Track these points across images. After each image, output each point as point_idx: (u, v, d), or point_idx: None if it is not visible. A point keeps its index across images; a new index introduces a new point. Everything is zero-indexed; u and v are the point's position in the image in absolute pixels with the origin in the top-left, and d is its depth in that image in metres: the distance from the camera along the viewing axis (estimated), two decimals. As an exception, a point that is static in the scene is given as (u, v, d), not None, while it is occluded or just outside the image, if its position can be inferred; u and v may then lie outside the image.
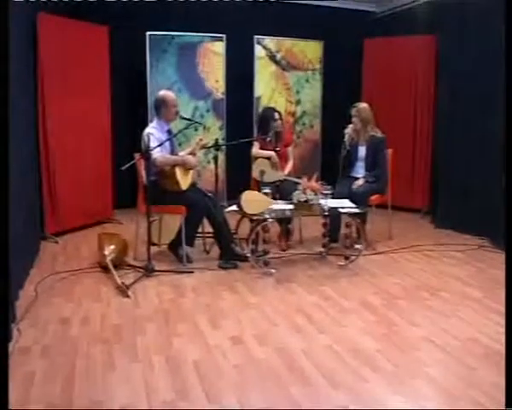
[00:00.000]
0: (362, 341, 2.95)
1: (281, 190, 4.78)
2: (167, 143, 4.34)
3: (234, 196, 4.44)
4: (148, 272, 4.01)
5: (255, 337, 2.98)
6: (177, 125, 4.71)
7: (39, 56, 4.86)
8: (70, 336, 3.00)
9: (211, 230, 4.48)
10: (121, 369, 2.62)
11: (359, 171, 4.93)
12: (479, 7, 5.08)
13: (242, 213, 4.29)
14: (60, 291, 3.71)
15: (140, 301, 3.55)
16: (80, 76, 5.31)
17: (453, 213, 5.50)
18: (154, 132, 4.24)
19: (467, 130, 5.33)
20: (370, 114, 4.93)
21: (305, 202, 4.14)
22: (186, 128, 4.65)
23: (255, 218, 4.18)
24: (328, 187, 4.33)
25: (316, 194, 4.18)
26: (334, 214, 4.46)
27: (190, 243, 4.33)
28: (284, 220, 4.77)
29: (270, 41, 6.65)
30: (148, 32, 6.06)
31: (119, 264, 4.16)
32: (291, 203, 4.23)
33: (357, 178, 4.85)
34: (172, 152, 4.44)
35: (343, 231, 4.54)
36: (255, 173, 4.95)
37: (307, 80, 6.89)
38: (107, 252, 4.10)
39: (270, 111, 5.14)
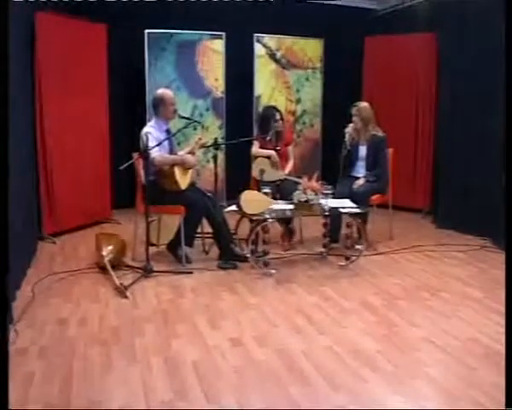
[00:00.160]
0: (362, 341, 2.96)
1: (281, 190, 4.79)
2: (166, 143, 4.36)
3: (233, 196, 4.45)
4: (147, 272, 4.02)
5: (255, 338, 2.99)
6: (175, 124, 4.72)
7: (37, 55, 4.87)
8: (68, 337, 3.01)
9: (210, 230, 4.49)
10: (119, 370, 2.63)
11: (360, 170, 4.94)
12: (479, 5, 5.09)
13: (242, 213, 4.30)
14: (57, 292, 3.73)
15: (138, 302, 3.56)
16: (78, 75, 5.32)
17: (455, 213, 5.51)
18: (152, 132, 4.25)
19: (468, 129, 5.34)
20: (371, 113, 4.94)
21: (306, 201, 4.16)
22: (185, 127, 4.66)
23: (255, 218, 4.19)
24: (329, 187, 4.34)
25: (316, 194, 4.19)
26: (335, 214, 4.47)
27: (189, 244, 4.35)
28: (285, 220, 4.80)
29: (269, 39, 6.66)
30: (147, 30, 6.07)
31: (117, 264, 4.17)
32: (291, 203, 4.25)
33: (357, 178, 4.86)
34: (171, 151, 4.45)
35: (344, 231, 4.55)
36: (255, 172, 4.96)
37: (307, 79, 6.91)
38: (105, 252, 4.11)
39: (270, 110, 5.15)
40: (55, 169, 5.14)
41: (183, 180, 4.30)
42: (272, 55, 6.70)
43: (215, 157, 4.82)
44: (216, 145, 4.82)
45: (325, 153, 6.97)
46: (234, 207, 4.31)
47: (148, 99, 5.99)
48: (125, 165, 3.87)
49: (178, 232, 4.32)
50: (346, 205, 4.37)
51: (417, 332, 3.09)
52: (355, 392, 2.45)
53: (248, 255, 4.28)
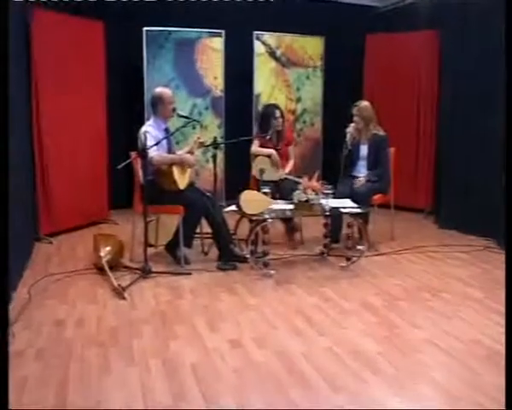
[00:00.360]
0: (363, 343, 2.97)
1: (281, 190, 4.80)
2: (164, 142, 4.36)
3: (233, 196, 4.46)
4: (145, 273, 4.02)
5: (254, 340, 2.99)
6: (174, 123, 4.73)
7: (33, 53, 4.87)
8: (65, 338, 3.01)
9: (209, 230, 4.49)
10: (117, 373, 2.63)
11: (361, 170, 4.94)
12: (481, 3, 5.10)
13: (241, 214, 4.30)
14: (54, 293, 3.73)
15: (136, 304, 3.57)
16: (75, 73, 5.33)
17: (457, 213, 5.52)
18: (150, 130, 4.26)
19: (470, 128, 5.34)
20: (372, 112, 4.95)
21: (306, 201, 4.16)
22: (184, 126, 4.67)
23: (254, 218, 4.20)
24: (330, 186, 4.34)
25: (317, 193, 4.19)
26: (336, 214, 4.47)
27: (188, 244, 4.35)
28: (287, 219, 4.81)
29: (269, 37, 6.67)
30: (145, 28, 6.07)
31: (115, 265, 4.17)
32: (291, 203, 4.25)
33: (358, 178, 4.87)
34: (170, 151, 4.46)
35: (344, 231, 4.56)
36: (255, 172, 4.97)
37: (308, 77, 6.91)
38: (102, 253, 4.11)
39: (271, 108, 5.15)
40: (52, 169, 5.15)
41: (181, 180, 4.30)
42: (272, 53, 6.70)
43: (214, 157, 4.82)
44: (215, 144, 4.82)
45: (326, 152, 6.98)
46: (233, 207, 4.32)
47: (147, 98, 5.98)
48: (123, 164, 3.87)
49: (177, 233, 4.32)
50: (346, 205, 4.37)
51: (418, 334, 3.09)
52: (356, 394, 2.45)
53: (248, 256, 4.29)
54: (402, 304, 3.56)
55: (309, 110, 6.98)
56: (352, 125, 4.91)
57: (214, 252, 4.51)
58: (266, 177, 4.87)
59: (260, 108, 6.29)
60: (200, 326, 3.19)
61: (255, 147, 5.07)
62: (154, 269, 4.09)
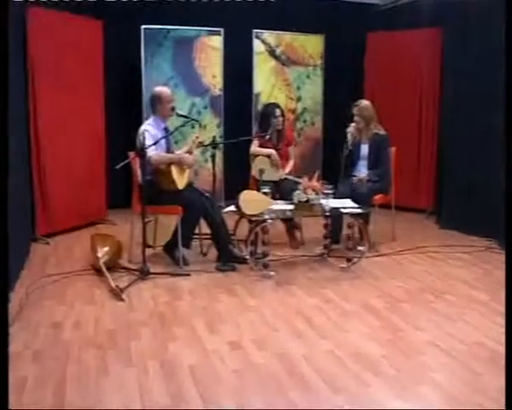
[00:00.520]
0: (364, 345, 2.96)
1: (281, 190, 4.79)
2: (163, 141, 4.35)
3: (232, 196, 4.45)
4: (143, 274, 4.01)
5: (254, 342, 2.98)
6: (173, 123, 4.72)
7: (30, 52, 4.87)
8: (62, 340, 3.00)
9: (208, 231, 4.49)
10: (115, 375, 2.62)
11: (362, 170, 4.93)
12: (482, 3, 5.10)
13: (241, 214, 4.30)
14: (51, 294, 3.72)
15: (134, 305, 3.56)
16: (73, 72, 5.32)
17: (459, 213, 5.51)
18: (149, 130, 4.25)
19: (473, 128, 5.34)
20: (373, 111, 4.94)
21: (306, 202, 4.16)
22: (182, 126, 4.67)
23: (254, 218, 4.19)
24: (330, 186, 4.34)
25: (317, 194, 4.19)
26: (336, 215, 4.47)
27: (187, 245, 4.34)
28: (288, 219, 4.81)
29: (269, 35, 6.66)
30: (143, 26, 6.07)
31: (112, 266, 4.16)
32: (291, 203, 4.25)
33: (357, 178, 4.86)
34: (168, 150, 4.45)
35: (345, 232, 4.55)
36: (254, 172, 4.96)
37: (308, 76, 6.90)
38: (100, 254, 4.10)
39: (271, 107, 5.13)
40: (49, 168, 5.14)
41: (180, 180, 4.29)
42: (272, 52, 6.69)
43: (213, 156, 4.81)
44: (214, 144, 4.81)
45: (326, 152, 6.97)
46: (232, 208, 4.31)
47: (145, 97, 5.99)
48: (122, 164, 3.87)
49: (175, 233, 4.31)
50: (347, 205, 4.37)
51: (421, 336, 3.08)
52: (358, 398, 2.44)
53: (247, 257, 4.28)
54: (404, 306, 3.55)
55: (309, 109, 6.97)
56: (353, 125, 4.90)
57: (213, 253, 4.50)
58: (266, 177, 4.87)
59: (260, 107, 6.29)
60: (199, 328, 3.18)
61: (254, 147, 5.07)
62: (152, 270, 4.08)
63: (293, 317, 3.35)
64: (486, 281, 4.05)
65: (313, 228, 5.13)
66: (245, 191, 4.28)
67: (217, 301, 3.63)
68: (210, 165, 4.96)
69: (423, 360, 2.79)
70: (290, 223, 4.94)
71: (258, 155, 5.00)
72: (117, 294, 3.66)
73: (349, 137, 4.86)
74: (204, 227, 4.57)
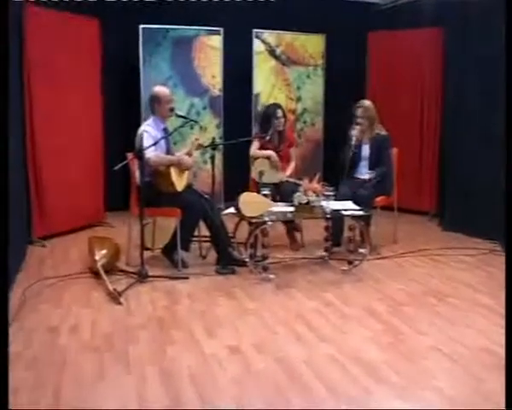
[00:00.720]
0: (366, 350, 2.95)
1: (281, 192, 4.78)
2: (163, 143, 4.35)
3: (231, 198, 4.44)
4: (142, 277, 4.00)
5: (253, 346, 2.98)
6: (172, 123, 4.71)
7: (26, 50, 4.86)
8: (58, 344, 2.99)
9: (207, 233, 4.48)
10: (112, 380, 2.62)
11: (363, 171, 4.93)
12: (484, 2, 5.10)
13: (240, 216, 4.29)
14: (48, 298, 3.71)
15: (132, 309, 3.55)
16: (70, 71, 5.32)
17: (462, 215, 5.51)
18: (149, 130, 4.25)
19: (476, 129, 5.34)
20: (375, 111, 4.94)
21: (307, 204, 4.15)
22: (181, 126, 4.66)
23: (254, 221, 4.18)
24: (331, 188, 4.33)
25: (317, 196, 4.18)
26: (337, 217, 4.46)
27: (186, 248, 4.34)
28: (288, 221, 4.80)
29: (269, 35, 6.66)
30: (142, 25, 6.07)
31: (110, 269, 4.16)
32: (292, 205, 4.24)
33: (360, 179, 4.85)
34: (168, 151, 4.45)
35: (346, 234, 4.55)
36: (254, 174, 4.95)
37: (308, 76, 6.90)
38: (98, 257, 4.10)
39: (272, 107, 5.12)
40: (46, 169, 5.13)
41: (179, 182, 4.29)
42: (272, 52, 6.69)
43: (213, 158, 4.80)
44: (213, 145, 4.80)
45: (327, 153, 6.96)
46: (232, 210, 4.30)
47: (143, 97, 6.00)
48: (120, 165, 3.86)
49: (174, 236, 4.30)
50: (348, 207, 4.36)
51: (424, 340, 3.07)
52: (358, 403, 2.43)
53: (247, 260, 4.27)
54: (407, 310, 3.54)
55: (309, 110, 6.97)
56: (357, 127, 4.88)
57: (212, 255, 4.50)
58: (266, 179, 4.87)
59: (260, 107, 6.29)
60: (198, 332, 3.17)
61: (254, 149, 5.06)
62: (150, 273, 4.07)
63: (293, 320, 3.34)
64: (490, 284, 4.04)
65: (314, 230, 5.12)
66: (245, 193, 4.27)
67: (216, 305, 3.62)
68: (209, 166, 4.95)
69: (426, 365, 2.78)
70: (290, 225, 4.94)
71: (258, 157, 5.00)
72: (115, 297, 3.65)
73: (353, 139, 4.83)
74: (203, 230, 4.56)
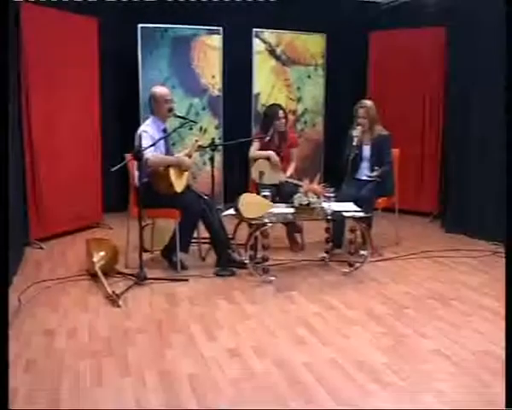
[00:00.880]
0: (368, 353, 2.94)
1: (281, 193, 4.77)
2: (162, 143, 4.34)
3: (231, 199, 4.44)
4: (140, 280, 4.00)
5: (253, 349, 2.97)
6: (171, 124, 4.70)
7: (22, 50, 4.84)
8: (55, 348, 2.98)
9: (207, 235, 4.48)
10: (110, 384, 2.61)
11: (364, 172, 4.91)
12: (487, 2, 5.10)
13: (240, 218, 4.28)
14: (45, 301, 3.70)
15: (131, 311, 3.54)
16: (67, 71, 5.30)
17: (465, 216, 5.50)
18: (148, 130, 4.24)
19: (479, 128, 5.33)
20: (376, 111, 4.93)
21: (307, 205, 4.14)
22: (180, 127, 4.65)
23: (254, 222, 4.17)
24: (331, 189, 4.32)
25: (318, 197, 4.17)
26: (338, 219, 4.46)
27: (185, 249, 4.33)
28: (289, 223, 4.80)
29: (269, 34, 6.65)
30: (140, 25, 6.06)
31: (108, 271, 4.15)
32: (292, 207, 4.23)
33: (361, 181, 4.85)
34: (168, 152, 4.44)
35: (347, 236, 4.54)
36: (254, 175, 4.95)
37: (309, 76, 6.89)
38: (96, 259, 4.09)
39: (274, 108, 5.12)
40: (43, 171, 5.12)
41: (178, 183, 4.27)
42: (272, 51, 6.68)
43: (212, 159, 4.79)
44: (213, 146, 4.79)
45: (327, 154, 6.96)
46: (232, 211, 4.30)
47: (142, 97, 5.99)
48: (118, 166, 3.85)
49: (173, 237, 4.30)
50: (349, 209, 4.35)
51: (427, 344, 3.06)
52: (360, 406, 2.42)
53: (247, 262, 4.26)
54: (409, 312, 3.53)
55: (310, 110, 6.96)
56: (358, 127, 4.86)
57: (212, 257, 4.49)
58: (266, 180, 4.86)
59: (260, 108, 6.27)
60: (197, 335, 3.16)
61: (254, 150, 5.05)
62: (149, 275, 4.06)
63: (294, 324, 3.33)
64: (493, 287, 4.02)
65: (314, 232, 5.11)
66: (244, 194, 4.27)
67: (215, 308, 3.61)
68: (209, 167, 4.94)
69: (428, 369, 2.77)
70: (291, 227, 4.93)
71: (258, 158, 4.99)
72: (113, 300, 3.64)
73: (355, 140, 4.81)
74: (202, 231, 4.55)
